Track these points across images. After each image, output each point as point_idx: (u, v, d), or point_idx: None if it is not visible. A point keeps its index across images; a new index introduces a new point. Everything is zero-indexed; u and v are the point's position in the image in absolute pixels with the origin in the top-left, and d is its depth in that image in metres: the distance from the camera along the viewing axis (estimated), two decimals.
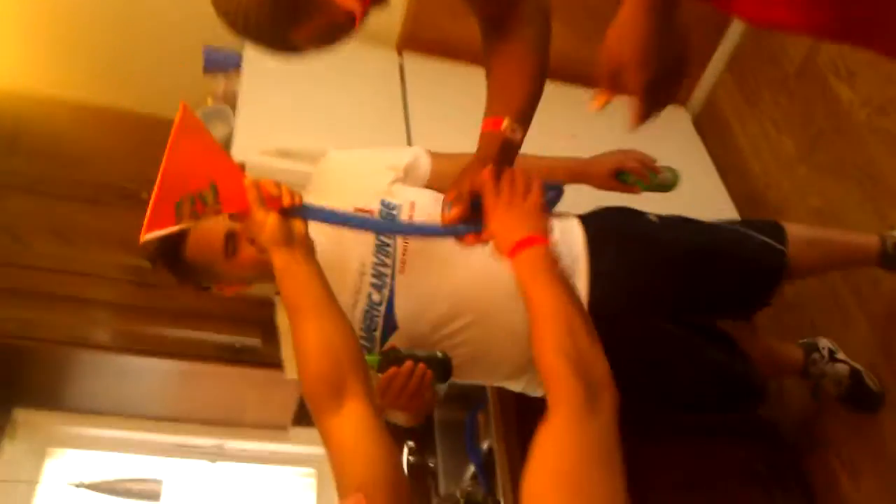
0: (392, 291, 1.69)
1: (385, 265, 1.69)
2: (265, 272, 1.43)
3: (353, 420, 1.16)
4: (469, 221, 1.43)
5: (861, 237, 2.29)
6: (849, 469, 2.53)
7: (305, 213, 1.39)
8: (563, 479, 0.97)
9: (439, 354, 1.59)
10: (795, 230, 2.04)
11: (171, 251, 1.62)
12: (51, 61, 2.97)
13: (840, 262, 2.33)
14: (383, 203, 1.73)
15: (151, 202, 1.25)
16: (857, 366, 2.44)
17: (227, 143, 2.56)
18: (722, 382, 1.92)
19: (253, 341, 2.60)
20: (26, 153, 2.85)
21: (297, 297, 1.29)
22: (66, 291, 2.58)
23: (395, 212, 1.72)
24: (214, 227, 1.59)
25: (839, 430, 2.58)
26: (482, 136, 1.49)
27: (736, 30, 3.19)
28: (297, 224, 1.36)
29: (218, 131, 2.66)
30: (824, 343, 2.48)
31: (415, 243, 1.71)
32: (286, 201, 1.36)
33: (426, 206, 1.74)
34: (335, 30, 1.18)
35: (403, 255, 1.70)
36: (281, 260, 1.32)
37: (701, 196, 2.89)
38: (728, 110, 3.23)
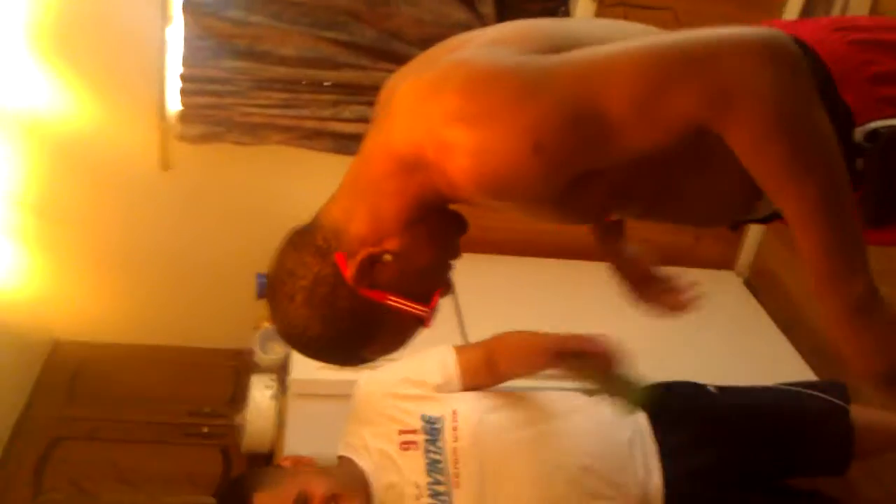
0: None
1: (440, 483, 1.67)
2: None
3: None
4: None
5: None
6: None
7: None
8: None
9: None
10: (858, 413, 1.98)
11: None
12: (106, 309, 3.08)
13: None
14: (424, 419, 1.73)
15: None
16: None
17: (285, 362, 2.59)
18: None
19: None
20: (86, 398, 2.89)
21: None
22: None
23: (437, 426, 1.72)
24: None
25: None
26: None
27: None
28: None
29: (275, 352, 2.69)
30: None
31: (465, 451, 1.69)
32: None
33: (469, 411, 1.73)
34: (406, 333, 1.19)
35: (455, 466, 1.68)
36: None
37: (769, 358, 2.83)
38: (777, 266, 3.21)
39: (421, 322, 1.15)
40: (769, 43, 0.91)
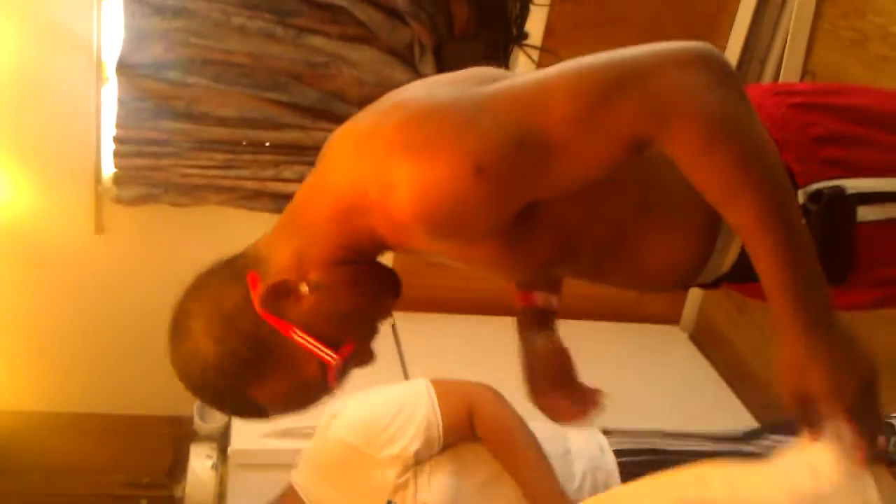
0: None
1: None
2: None
3: None
4: None
5: None
6: None
7: None
8: None
9: None
10: None
11: None
12: (33, 377, 2.96)
13: None
14: None
15: None
16: None
17: (225, 431, 2.51)
18: None
19: None
20: (14, 473, 2.75)
21: None
22: None
23: None
24: None
25: None
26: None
27: None
28: None
29: (216, 420, 2.61)
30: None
31: None
32: None
33: None
34: (306, 381, 1.07)
35: None
36: None
37: (717, 412, 2.83)
38: (721, 321, 3.23)
39: (324, 373, 1.05)
40: (702, 53, 0.93)
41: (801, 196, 1.08)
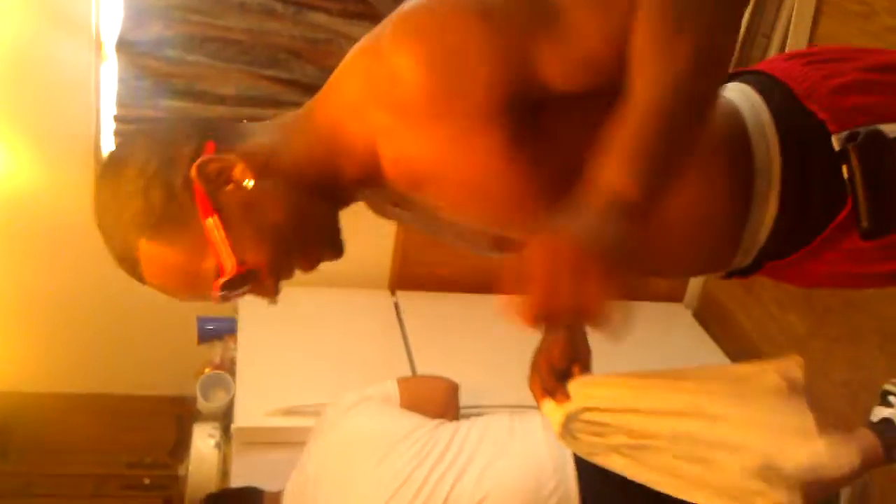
0: None
1: None
2: None
3: None
4: None
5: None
6: None
7: None
8: None
9: None
10: None
11: None
12: (37, 358, 2.96)
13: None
14: None
15: None
16: None
17: (228, 410, 2.50)
18: None
19: None
20: (18, 453, 2.77)
21: None
22: None
23: None
24: None
25: None
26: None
27: None
28: None
29: (219, 399, 2.60)
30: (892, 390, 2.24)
31: None
32: None
33: None
34: (188, 276, 0.99)
35: None
36: None
37: None
38: (726, 298, 3.21)
39: (216, 275, 0.97)
40: None
41: (836, 142, 1.05)
